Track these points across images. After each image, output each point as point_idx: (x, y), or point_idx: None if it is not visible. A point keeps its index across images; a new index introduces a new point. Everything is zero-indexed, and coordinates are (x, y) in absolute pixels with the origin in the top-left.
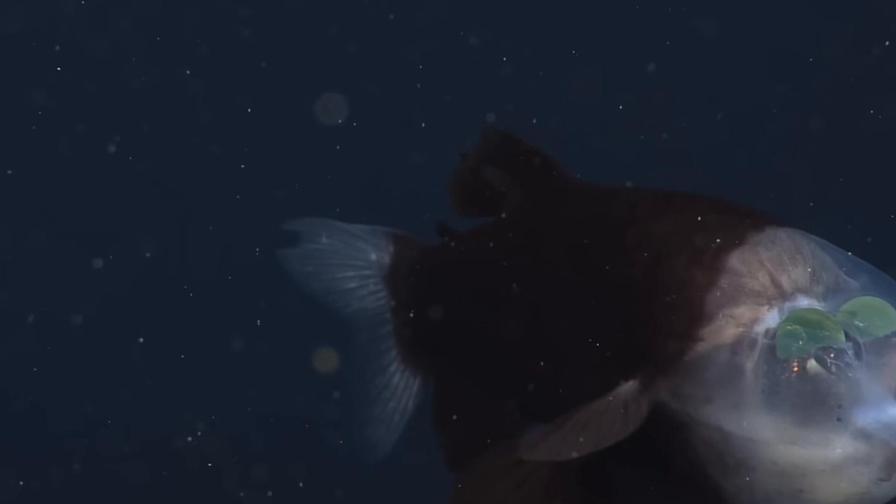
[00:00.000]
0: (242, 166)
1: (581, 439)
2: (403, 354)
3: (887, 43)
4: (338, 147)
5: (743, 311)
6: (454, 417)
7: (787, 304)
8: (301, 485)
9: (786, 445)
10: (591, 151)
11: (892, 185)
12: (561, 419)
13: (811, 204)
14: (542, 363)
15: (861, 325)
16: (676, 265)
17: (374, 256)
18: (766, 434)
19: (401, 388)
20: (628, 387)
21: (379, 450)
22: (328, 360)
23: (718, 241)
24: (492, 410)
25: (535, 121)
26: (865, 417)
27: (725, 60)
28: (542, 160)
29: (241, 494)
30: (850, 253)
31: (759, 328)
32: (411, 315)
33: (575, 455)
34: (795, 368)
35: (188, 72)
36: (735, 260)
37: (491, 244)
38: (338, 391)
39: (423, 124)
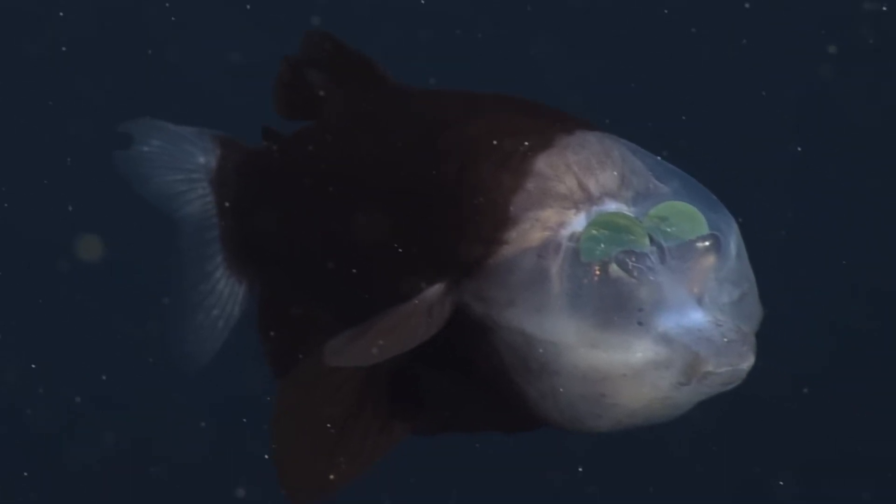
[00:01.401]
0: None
1: (384, 343)
2: (229, 260)
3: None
4: (149, 52)
5: (549, 215)
6: (279, 325)
7: (595, 208)
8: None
9: (587, 349)
10: None
11: None
12: (367, 324)
13: None
14: (358, 269)
15: (669, 229)
16: (484, 169)
17: (202, 159)
18: (568, 338)
19: (226, 294)
20: (434, 290)
21: (201, 358)
22: (92, 247)
23: (526, 144)
24: (315, 317)
25: None
26: (667, 322)
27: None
28: (363, 63)
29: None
30: (660, 158)
31: (565, 232)
32: (236, 220)
33: (378, 359)
34: (598, 272)
35: None
36: (542, 163)
37: (310, 148)
38: (165, 297)
39: (244, 26)
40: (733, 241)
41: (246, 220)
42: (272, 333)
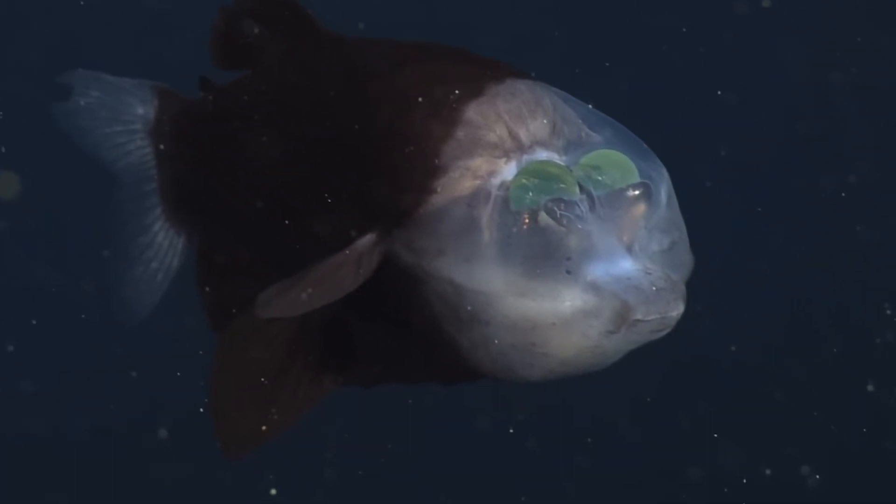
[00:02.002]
0: None
1: (313, 293)
2: (168, 212)
3: None
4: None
5: (479, 164)
6: (217, 277)
7: (525, 157)
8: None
9: (515, 298)
10: None
11: None
12: (298, 275)
13: None
14: (294, 219)
15: (600, 178)
16: (415, 118)
17: (140, 111)
18: (497, 287)
19: (164, 246)
20: (365, 240)
21: (140, 310)
22: (8, 185)
23: (457, 93)
24: (252, 269)
25: None
26: (596, 270)
27: None
28: (296, 11)
29: None
30: (591, 106)
31: (495, 181)
32: (174, 172)
33: (307, 309)
34: (527, 221)
35: None
36: (472, 112)
37: (244, 98)
38: (105, 250)
39: None
40: (664, 190)
41: (184, 172)
42: (210, 286)
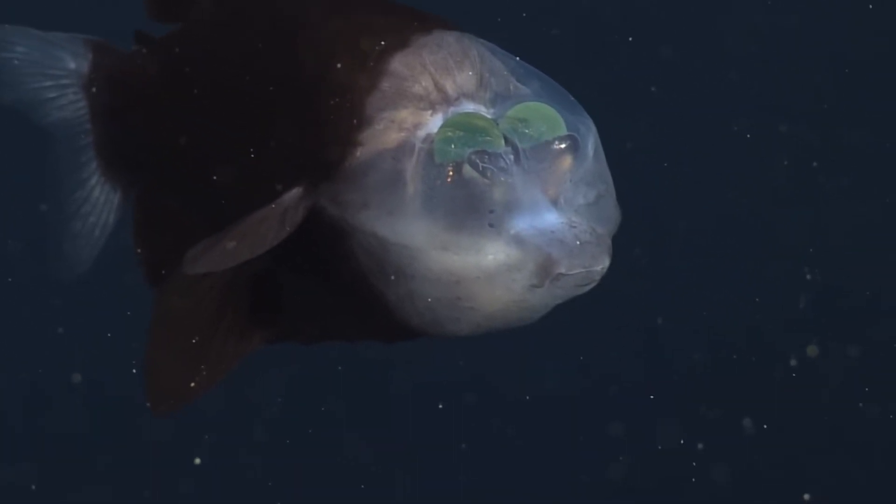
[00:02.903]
0: None
1: (238, 247)
2: (103, 167)
3: None
4: None
5: (404, 116)
6: (153, 232)
7: (452, 109)
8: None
9: (439, 252)
10: None
11: None
12: (223, 230)
13: None
14: (225, 173)
15: (526, 130)
16: (341, 69)
17: (72, 65)
18: (420, 240)
19: (101, 202)
20: (291, 194)
21: (78, 266)
22: None
23: (383, 43)
24: (188, 225)
25: None
26: (519, 223)
27: None
28: None
29: None
30: (518, 58)
31: (421, 133)
32: (109, 126)
33: (231, 264)
34: (451, 173)
35: None
36: (398, 63)
37: (176, 51)
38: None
39: None
40: (591, 143)
41: (118, 126)
42: (146, 242)
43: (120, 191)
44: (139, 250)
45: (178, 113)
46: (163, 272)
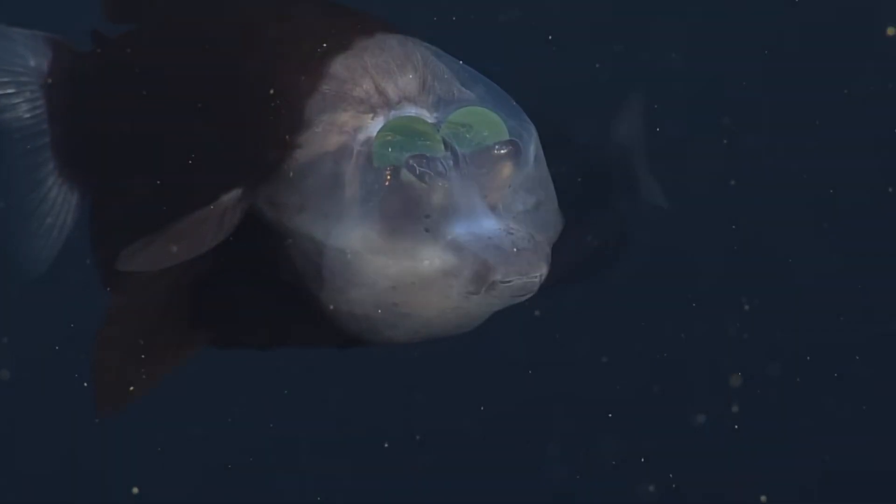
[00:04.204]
0: None
1: (175, 248)
2: (61, 168)
3: None
4: None
5: (345, 119)
6: (108, 234)
7: (393, 113)
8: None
9: (375, 256)
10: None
11: None
12: (161, 230)
13: None
14: (175, 175)
15: (468, 135)
16: (283, 71)
17: (32, 63)
18: (356, 244)
19: (59, 202)
20: (231, 196)
21: (37, 266)
22: None
23: (325, 46)
24: (142, 226)
25: None
26: (456, 229)
27: None
28: None
29: None
30: (461, 62)
31: (361, 136)
32: (66, 126)
33: (169, 263)
34: (388, 177)
35: None
36: (339, 66)
37: (129, 51)
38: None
39: None
40: (532, 149)
41: (75, 127)
42: (100, 243)
43: (77, 191)
44: (95, 251)
45: (128, 114)
46: (116, 273)
